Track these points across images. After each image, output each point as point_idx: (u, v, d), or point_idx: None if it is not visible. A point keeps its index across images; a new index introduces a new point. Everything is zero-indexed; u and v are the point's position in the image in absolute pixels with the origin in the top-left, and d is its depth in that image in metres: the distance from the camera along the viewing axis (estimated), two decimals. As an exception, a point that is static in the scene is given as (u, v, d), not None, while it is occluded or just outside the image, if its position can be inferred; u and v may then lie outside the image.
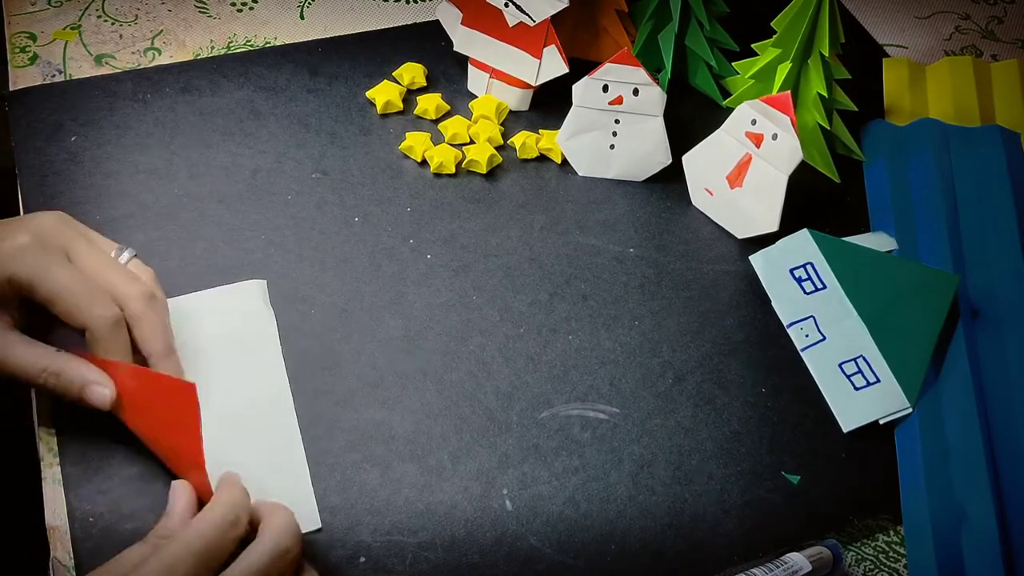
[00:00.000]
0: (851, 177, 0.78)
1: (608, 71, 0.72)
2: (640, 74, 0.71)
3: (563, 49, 0.76)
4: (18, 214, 0.69)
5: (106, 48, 0.80)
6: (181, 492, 0.54)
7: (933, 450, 0.62)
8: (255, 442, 0.59)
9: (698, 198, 0.75)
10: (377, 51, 0.82)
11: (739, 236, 0.74)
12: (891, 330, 0.66)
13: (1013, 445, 0.63)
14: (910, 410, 0.64)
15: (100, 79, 0.77)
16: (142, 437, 0.57)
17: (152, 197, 0.70)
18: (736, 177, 0.72)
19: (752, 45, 0.78)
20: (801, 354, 0.67)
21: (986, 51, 0.92)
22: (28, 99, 0.74)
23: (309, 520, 0.56)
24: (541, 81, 0.77)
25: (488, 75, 0.79)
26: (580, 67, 0.76)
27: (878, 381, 0.64)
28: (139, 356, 0.57)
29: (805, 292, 0.68)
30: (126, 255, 0.59)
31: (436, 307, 0.67)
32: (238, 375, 0.61)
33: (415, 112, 0.78)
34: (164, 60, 0.80)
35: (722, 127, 0.72)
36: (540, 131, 0.77)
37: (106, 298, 0.56)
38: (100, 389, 0.55)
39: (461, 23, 0.78)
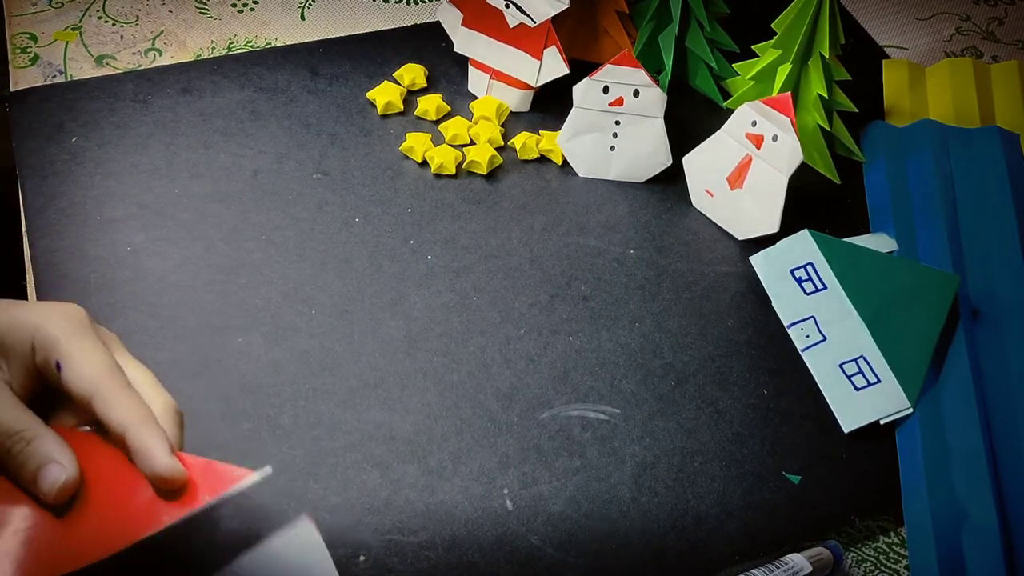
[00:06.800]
0: (851, 178, 0.78)
1: (608, 72, 0.72)
2: (640, 75, 0.71)
3: (563, 50, 0.76)
4: (19, 214, 0.69)
5: (107, 49, 0.80)
6: None
7: (934, 450, 0.62)
8: None
9: (698, 199, 0.75)
10: (378, 52, 0.82)
11: (739, 237, 0.74)
12: (891, 330, 0.66)
13: (1014, 445, 0.63)
14: (910, 410, 0.64)
15: (101, 80, 0.77)
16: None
17: (152, 197, 0.70)
18: (736, 178, 0.72)
19: (752, 46, 0.78)
20: (801, 354, 0.67)
21: (987, 52, 0.92)
22: (29, 100, 0.74)
23: None
24: (542, 82, 0.77)
25: (489, 76, 0.79)
26: (580, 68, 0.76)
27: (879, 381, 0.64)
28: None
29: (805, 292, 0.68)
30: None
31: (437, 308, 0.67)
32: None
33: (415, 113, 0.78)
34: (165, 61, 0.80)
35: (722, 128, 0.72)
36: (540, 132, 0.77)
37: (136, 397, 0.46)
38: (56, 469, 0.44)
39: (462, 24, 0.78)
